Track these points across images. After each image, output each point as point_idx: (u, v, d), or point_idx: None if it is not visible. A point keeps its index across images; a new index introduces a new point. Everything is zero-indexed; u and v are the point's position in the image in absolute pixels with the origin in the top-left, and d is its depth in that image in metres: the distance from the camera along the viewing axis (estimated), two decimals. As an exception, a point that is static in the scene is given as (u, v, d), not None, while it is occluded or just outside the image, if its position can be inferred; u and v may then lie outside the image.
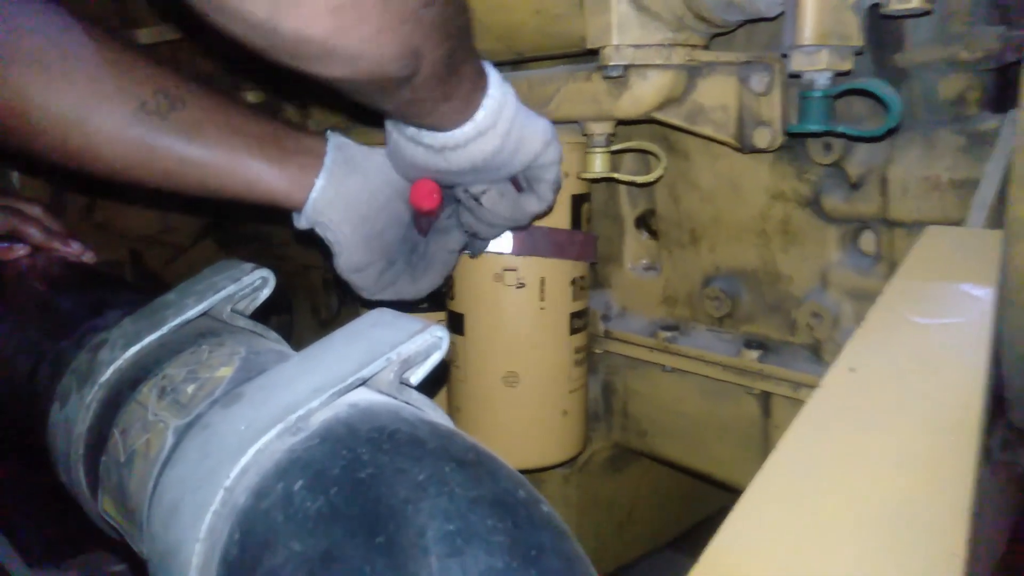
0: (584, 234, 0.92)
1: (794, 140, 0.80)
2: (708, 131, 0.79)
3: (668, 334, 0.98)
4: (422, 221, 0.80)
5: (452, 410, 0.98)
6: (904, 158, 0.74)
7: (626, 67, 0.77)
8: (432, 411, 0.41)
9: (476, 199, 0.74)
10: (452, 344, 0.97)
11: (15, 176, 1.42)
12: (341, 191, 0.73)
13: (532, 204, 0.77)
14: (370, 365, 0.39)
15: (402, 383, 0.41)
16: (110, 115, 0.64)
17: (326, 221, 0.74)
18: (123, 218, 1.74)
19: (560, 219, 0.90)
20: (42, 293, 0.69)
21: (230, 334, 0.48)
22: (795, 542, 0.34)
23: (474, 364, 0.94)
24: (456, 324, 0.95)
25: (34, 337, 0.61)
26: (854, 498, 0.37)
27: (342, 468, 0.33)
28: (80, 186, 1.49)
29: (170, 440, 0.40)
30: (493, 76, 0.66)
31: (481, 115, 0.64)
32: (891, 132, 0.70)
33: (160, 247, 1.86)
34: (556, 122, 0.85)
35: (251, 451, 0.35)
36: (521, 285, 0.90)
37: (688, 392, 1.00)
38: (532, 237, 0.88)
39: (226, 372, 0.43)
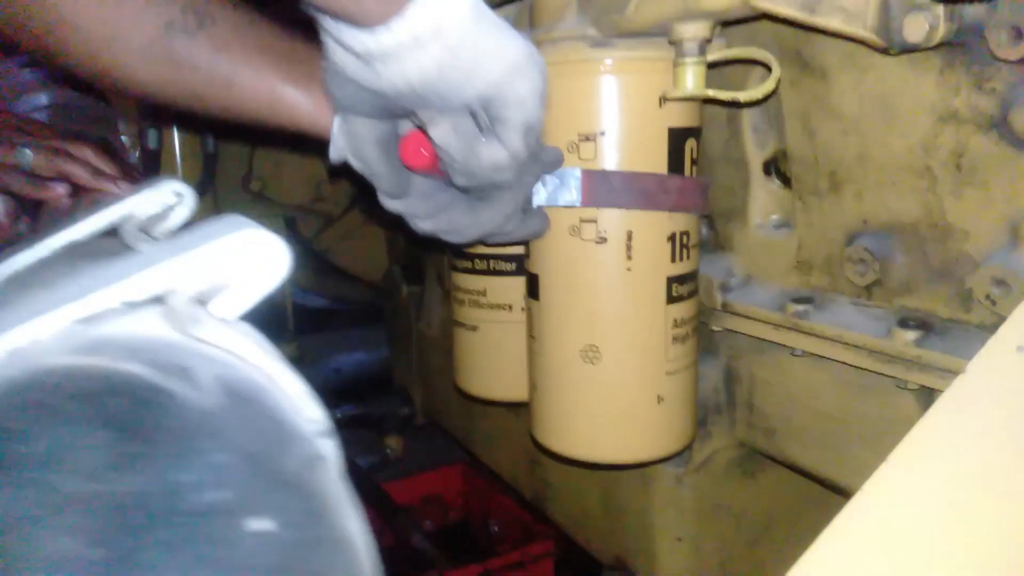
0: (684, 179, 0.74)
1: (967, 32, 0.56)
2: (836, 24, 0.58)
3: (799, 307, 0.77)
4: (424, 178, 0.68)
5: (530, 388, 0.85)
6: None
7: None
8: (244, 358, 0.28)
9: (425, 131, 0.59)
10: (528, 311, 0.83)
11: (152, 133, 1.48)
12: None
13: (493, 151, 0.59)
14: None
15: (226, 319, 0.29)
16: (139, 33, 0.62)
17: (351, 149, 0.64)
18: (278, 187, 1.80)
19: (653, 160, 0.73)
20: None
21: (78, 255, 0.39)
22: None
23: (550, 335, 0.79)
24: (532, 287, 0.81)
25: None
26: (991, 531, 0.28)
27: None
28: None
29: None
30: None
31: (415, 11, 0.48)
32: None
33: (312, 216, 1.90)
34: (638, 34, 0.68)
35: None
36: (602, 240, 0.74)
37: (824, 383, 0.78)
38: (606, 182, 0.72)
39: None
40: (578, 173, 0.72)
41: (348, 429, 1.69)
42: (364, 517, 0.28)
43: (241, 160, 1.76)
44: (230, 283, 0.28)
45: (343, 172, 0.71)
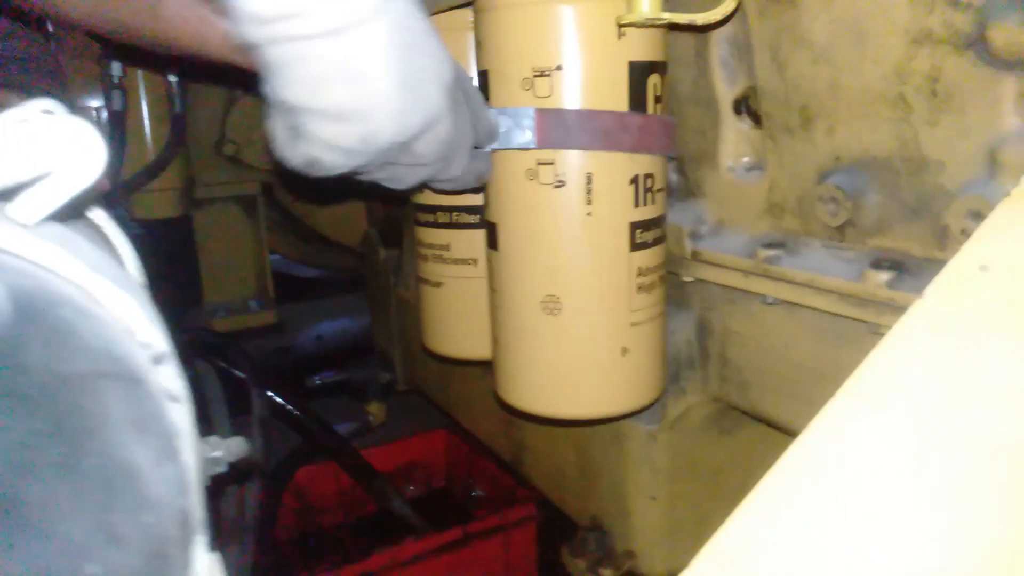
0: (646, 116, 0.70)
1: (941, -61, 0.52)
2: (798, -63, 0.53)
3: (770, 252, 0.73)
4: None
5: (492, 343, 0.81)
6: None
7: None
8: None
9: None
10: (489, 263, 0.80)
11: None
12: None
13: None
14: None
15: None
16: None
17: None
18: (253, 151, 1.75)
19: (613, 97, 0.68)
20: None
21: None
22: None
23: (509, 286, 0.76)
24: (491, 236, 0.77)
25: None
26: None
27: None
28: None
29: None
30: None
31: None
32: None
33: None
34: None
35: None
36: (561, 183, 0.70)
37: (797, 332, 0.74)
38: (562, 121, 0.67)
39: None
40: (531, 112, 0.68)
41: (329, 396, 1.66)
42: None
43: (214, 122, 1.71)
44: (35, 178, 0.24)
45: None
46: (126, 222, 1.69)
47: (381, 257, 1.57)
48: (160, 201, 1.61)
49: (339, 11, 0.47)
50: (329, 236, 1.93)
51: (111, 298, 0.25)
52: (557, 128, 0.68)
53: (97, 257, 0.26)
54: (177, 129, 1.53)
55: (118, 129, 1.47)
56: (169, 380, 0.26)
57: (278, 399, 1.30)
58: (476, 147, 0.68)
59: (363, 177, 0.62)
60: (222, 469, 0.49)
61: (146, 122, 1.52)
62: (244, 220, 1.86)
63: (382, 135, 0.53)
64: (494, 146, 0.70)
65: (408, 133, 0.54)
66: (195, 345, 1.29)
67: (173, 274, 1.85)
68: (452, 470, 1.58)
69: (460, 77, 0.63)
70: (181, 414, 0.25)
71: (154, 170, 1.53)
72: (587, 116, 0.67)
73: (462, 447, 1.52)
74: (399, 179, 0.63)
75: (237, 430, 1.20)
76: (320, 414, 1.38)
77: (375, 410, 1.62)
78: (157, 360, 0.26)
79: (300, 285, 2.24)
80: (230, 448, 0.49)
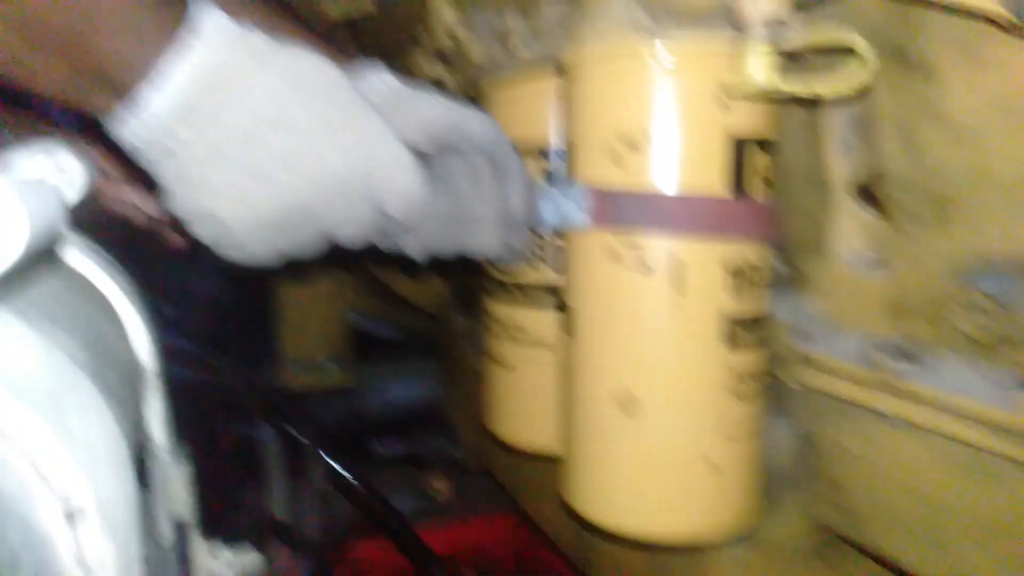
0: (747, 201, 0.61)
1: None
2: (949, -4, 0.45)
3: (897, 365, 0.62)
4: None
5: (562, 440, 0.72)
6: None
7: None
8: None
9: None
10: (564, 350, 0.71)
11: None
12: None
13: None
14: None
15: None
16: None
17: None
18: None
19: (710, 177, 0.60)
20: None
21: None
22: None
23: (583, 379, 0.67)
24: (567, 321, 0.69)
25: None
26: None
27: None
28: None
29: None
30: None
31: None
32: None
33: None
34: (698, 18, 0.57)
35: None
36: (648, 270, 0.62)
37: (927, 461, 0.62)
38: (637, 202, 0.59)
39: None
40: (585, 193, 0.62)
41: (392, 467, 1.59)
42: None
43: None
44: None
45: None
46: (215, 273, 1.72)
47: (457, 326, 1.51)
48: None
49: None
50: (408, 299, 1.90)
51: (20, 428, 0.19)
52: (622, 206, 0.60)
53: (29, 355, 0.19)
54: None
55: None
56: (89, 543, 0.19)
57: (340, 469, 1.24)
58: (516, 219, 0.63)
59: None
60: (232, 588, 0.42)
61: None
62: (329, 277, 1.85)
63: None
64: (547, 223, 0.64)
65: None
66: (260, 405, 1.26)
67: (255, 328, 1.86)
68: (516, 560, 1.47)
69: (471, 139, 0.60)
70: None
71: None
72: (671, 199, 0.59)
73: (529, 537, 1.42)
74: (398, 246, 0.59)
75: (295, 501, 1.15)
76: (383, 487, 1.31)
77: (440, 486, 1.54)
78: (72, 516, 0.19)
79: (374, 345, 2.21)
80: (243, 567, 0.42)
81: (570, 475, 0.70)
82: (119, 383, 0.32)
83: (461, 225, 0.60)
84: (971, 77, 0.53)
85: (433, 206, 0.57)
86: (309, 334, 1.84)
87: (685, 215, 0.59)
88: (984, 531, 0.58)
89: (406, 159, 0.53)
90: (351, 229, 0.53)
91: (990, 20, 0.45)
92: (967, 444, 0.56)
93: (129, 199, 0.72)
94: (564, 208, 0.63)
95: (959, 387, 0.57)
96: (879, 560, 0.70)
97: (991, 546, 0.57)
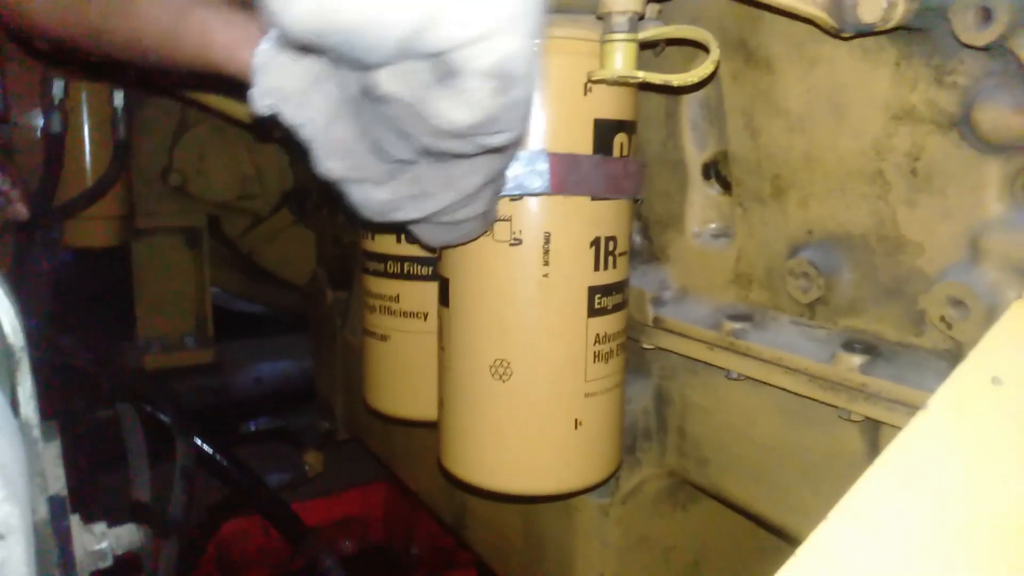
0: (637, 162, 0.66)
1: (929, 14, 0.49)
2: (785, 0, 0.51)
3: (736, 326, 0.69)
4: None
5: (438, 404, 0.75)
6: None
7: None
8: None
9: None
10: (439, 320, 0.74)
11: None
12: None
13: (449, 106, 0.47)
14: None
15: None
16: None
17: (287, 92, 0.51)
18: (201, 182, 1.67)
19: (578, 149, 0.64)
20: None
21: None
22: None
23: (458, 346, 0.70)
24: (442, 292, 0.72)
25: None
26: None
27: None
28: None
29: None
30: None
31: None
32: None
33: (239, 215, 1.78)
34: (561, 10, 0.60)
35: None
36: (517, 241, 0.65)
37: (762, 410, 0.70)
38: (577, 167, 0.62)
39: None
40: (545, 156, 0.62)
41: (264, 443, 1.57)
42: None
43: (160, 151, 1.64)
44: None
45: (271, 135, 0.59)
46: (56, 249, 1.60)
47: (328, 299, 1.50)
48: (97, 229, 1.52)
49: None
50: (276, 273, 1.86)
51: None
52: (570, 171, 0.63)
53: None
54: (119, 155, 1.45)
55: (55, 152, 1.38)
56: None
57: (205, 447, 1.21)
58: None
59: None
60: (107, 564, 0.42)
61: (87, 146, 1.44)
62: (187, 253, 1.77)
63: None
64: (506, 191, 0.64)
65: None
66: (117, 385, 1.20)
67: (105, 305, 1.75)
68: (391, 526, 1.50)
69: None
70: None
71: (92, 197, 1.44)
72: (599, 162, 0.63)
73: (402, 503, 1.44)
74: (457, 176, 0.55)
75: (158, 481, 1.11)
76: (253, 462, 1.29)
77: (312, 459, 1.53)
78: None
79: (239, 321, 2.14)
80: (118, 538, 0.42)
81: (446, 439, 0.74)
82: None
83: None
84: (803, 72, 0.60)
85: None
86: (167, 311, 1.76)
87: (605, 175, 0.63)
88: (803, 467, 0.67)
89: None
90: None
91: (817, 25, 0.51)
92: (792, 393, 0.64)
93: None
94: (523, 177, 0.63)
95: (787, 344, 0.65)
96: (720, 499, 0.78)
97: (809, 479, 0.66)
